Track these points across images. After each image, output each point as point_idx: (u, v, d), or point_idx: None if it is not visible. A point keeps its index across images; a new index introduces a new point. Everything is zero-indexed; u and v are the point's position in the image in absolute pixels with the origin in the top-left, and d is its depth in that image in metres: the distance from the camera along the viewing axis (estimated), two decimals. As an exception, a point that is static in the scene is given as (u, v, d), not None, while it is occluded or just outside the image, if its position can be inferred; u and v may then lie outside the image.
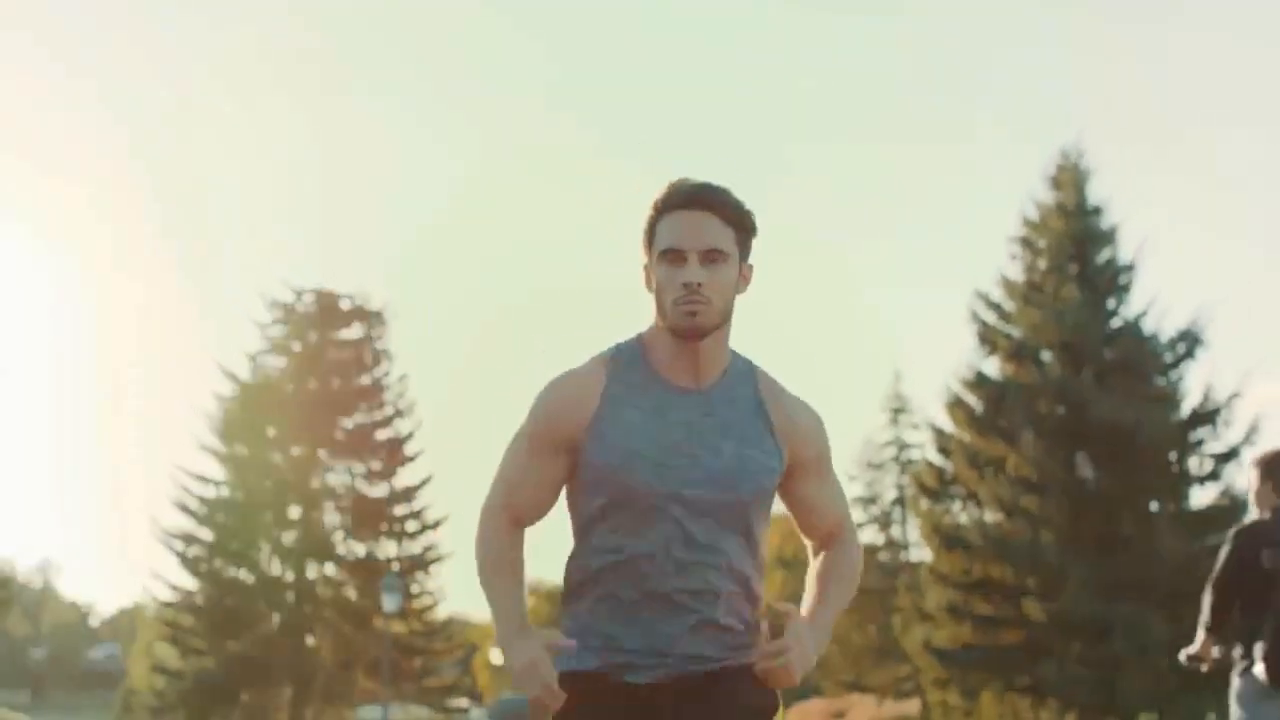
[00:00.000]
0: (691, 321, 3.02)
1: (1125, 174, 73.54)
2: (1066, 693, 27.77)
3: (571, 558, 3.17)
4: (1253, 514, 6.46)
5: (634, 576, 3.06)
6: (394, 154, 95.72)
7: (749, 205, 3.12)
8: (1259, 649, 6.00)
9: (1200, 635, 6.35)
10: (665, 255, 3.05)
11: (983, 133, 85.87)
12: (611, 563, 3.08)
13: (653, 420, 3.07)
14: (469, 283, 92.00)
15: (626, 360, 3.14)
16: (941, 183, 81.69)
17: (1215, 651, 6.28)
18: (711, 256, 3.04)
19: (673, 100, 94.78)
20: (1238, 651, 6.18)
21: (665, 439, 3.05)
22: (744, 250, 3.11)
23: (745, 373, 3.17)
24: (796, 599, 3.22)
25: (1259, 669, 5.99)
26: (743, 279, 3.13)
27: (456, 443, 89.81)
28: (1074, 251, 29.46)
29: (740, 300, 3.13)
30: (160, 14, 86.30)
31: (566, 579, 3.18)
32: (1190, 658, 6.37)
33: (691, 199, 3.06)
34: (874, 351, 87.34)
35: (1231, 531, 6.44)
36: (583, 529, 3.13)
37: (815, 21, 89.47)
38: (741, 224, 3.08)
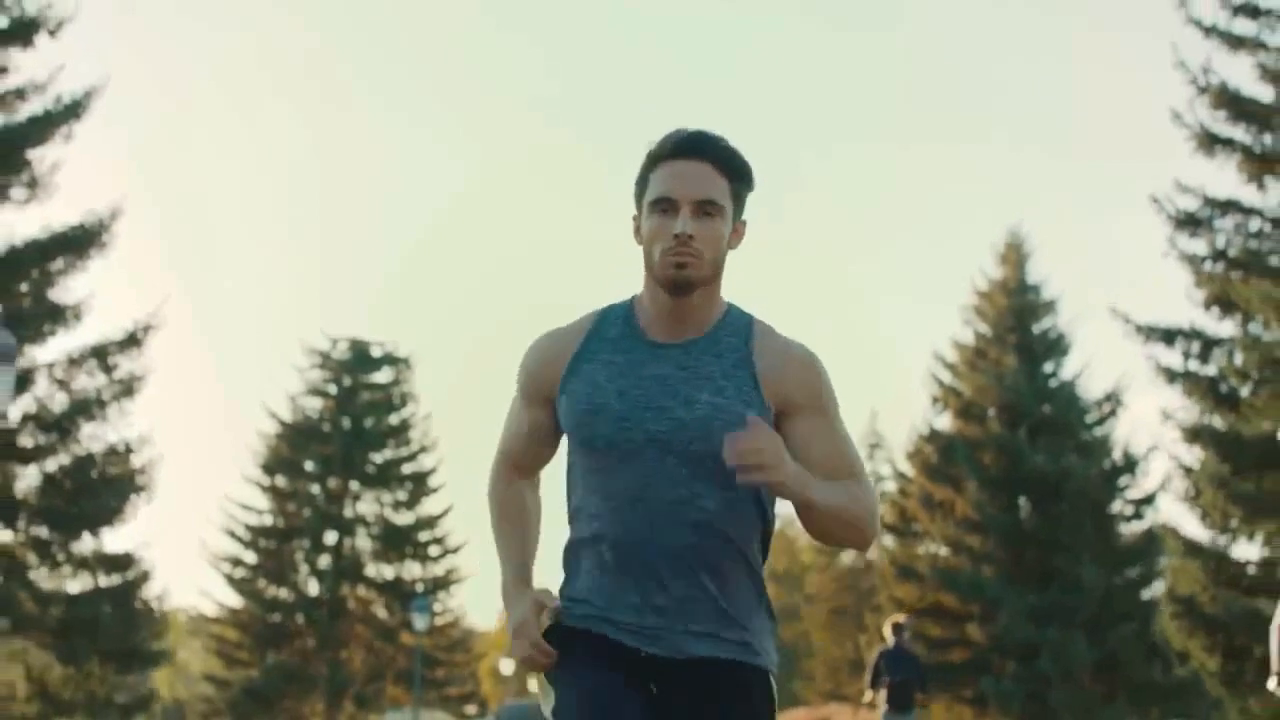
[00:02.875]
0: (680, 274, 3.03)
1: (1125, 172, 79.16)
2: (1004, 705, 34.02)
3: (568, 518, 3.24)
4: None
5: (609, 534, 3.09)
6: (395, 167, 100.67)
7: (745, 156, 3.12)
8: (884, 695, 14.17)
9: (869, 691, 14.45)
10: (656, 205, 3.06)
11: (983, 142, 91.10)
12: (588, 521, 3.13)
13: (624, 374, 3.11)
14: (475, 302, 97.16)
15: (612, 316, 3.20)
16: (942, 191, 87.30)
17: (878, 699, 13.61)
18: (704, 208, 3.04)
19: (677, 110, 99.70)
20: (881, 697, 13.61)
21: (634, 392, 3.08)
22: (738, 204, 3.12)
23: (740, 325, 3.15)
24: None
25: (884, 708, 14.21)
26: (736, 235, 3.12)
27: (475, 475, 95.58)
28: (1013, 324, 35.78)
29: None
30: (158, 20, 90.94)
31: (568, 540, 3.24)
32: (868, 703, 13.72)
33: (686, 148, 3.07)
34: (875, 355, 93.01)
35: (877, 650, 14.61)
36: (567, 488, 3.23)
37: (818, 33, 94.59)
38: (737, 174, 3.09)
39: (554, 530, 3.40)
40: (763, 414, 3.06)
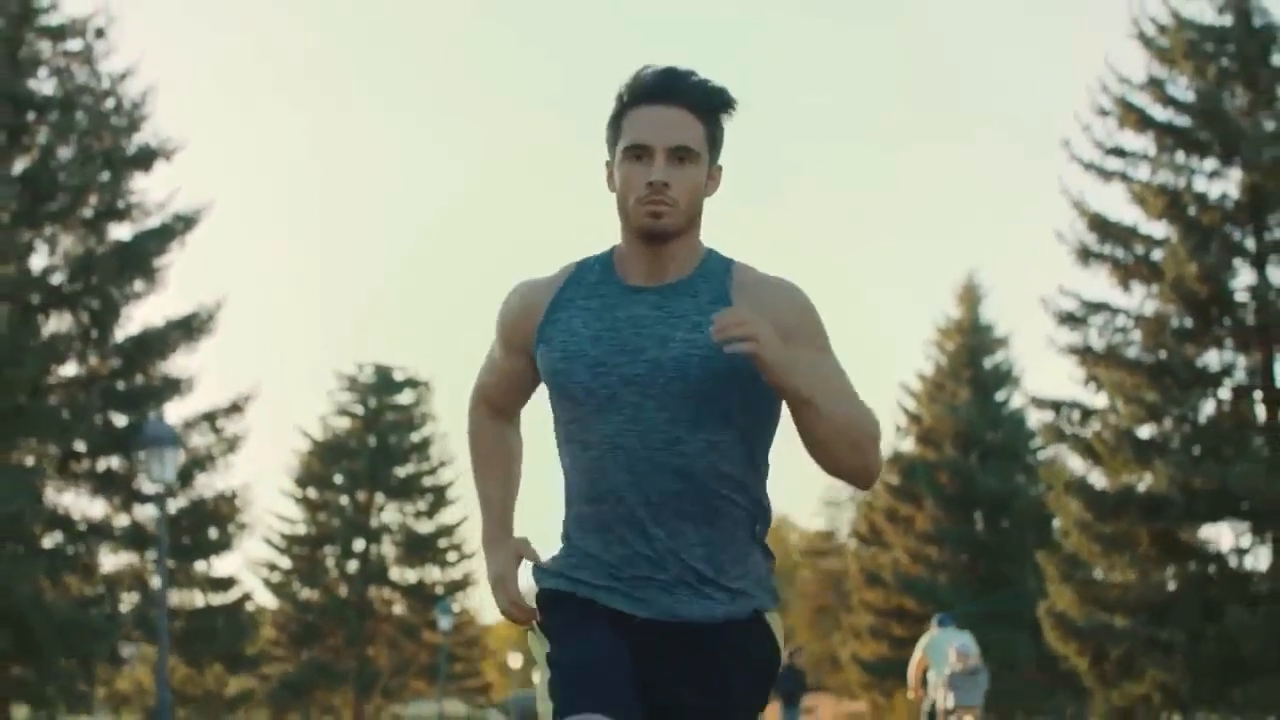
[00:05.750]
0: (655, 223, 3.08)
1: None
2: (958, 694, 41.10)
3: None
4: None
5: (593, 485, 3.15)
6: (396, 165, 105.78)
7: (723, 86, 3.16)
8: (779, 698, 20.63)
9: None
10: (629, 152, 3.10)
11: (982, 136, 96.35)
12: (575, 471, 3.20)
13: (597, 319, 3.17)
14: (485, 315, 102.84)
15: (590, 263, 3.26)
16: (941, 186, 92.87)
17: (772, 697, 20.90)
18: (680, 155, 3.09)
19: None
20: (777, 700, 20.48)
21: (609, 336, 3.14)
22: (714, 148, 3.17)
23: (719, 269, 3.19)
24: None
25: (780, 705, 20.97)
26: (712, 180, 3.18)
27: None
28: (967, 360, 42.75)
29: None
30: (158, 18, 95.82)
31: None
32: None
33: (660, 91, 3.11)
34: (874, 354, 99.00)
35: None
36: (555, 438, 3.28)
37: (817, 28, 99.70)
38: (713, 117, 3.15)
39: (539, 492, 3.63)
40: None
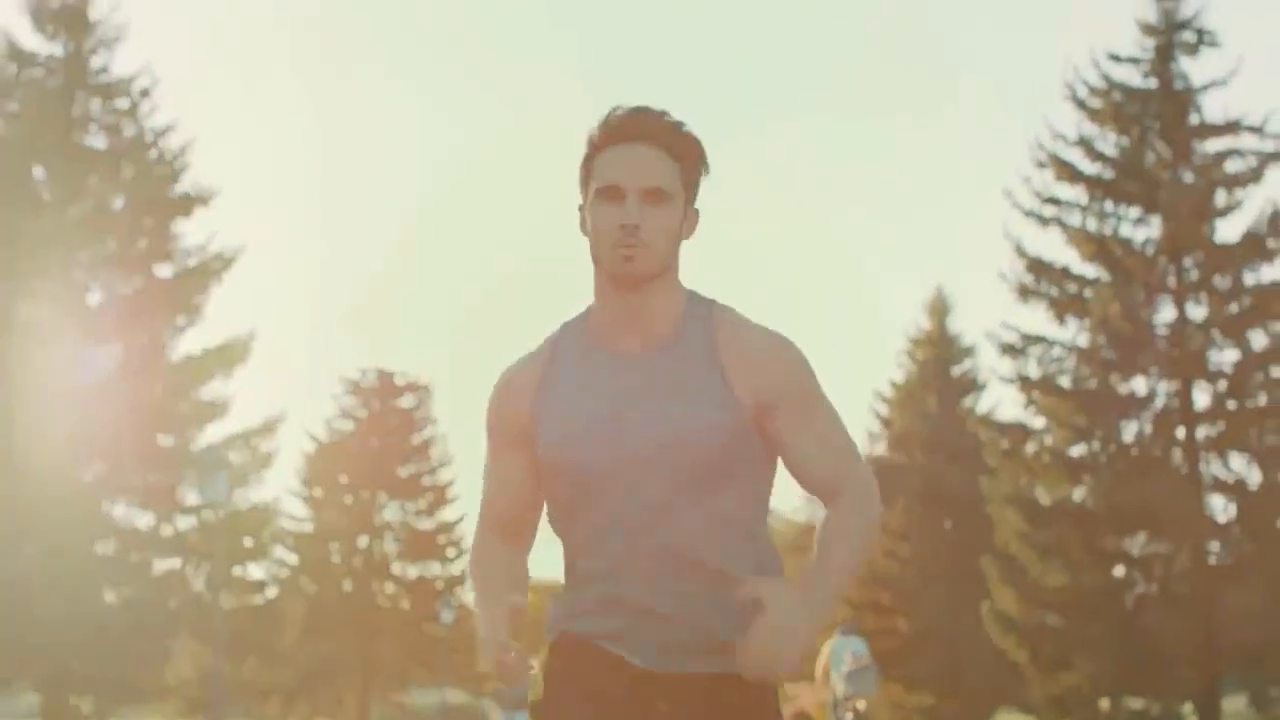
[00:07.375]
0: (628, 267, 3.08)
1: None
2: (927, 683, 45.36)
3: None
4: None
5: (593, 562, 3.16)
6: (396, 169, 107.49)
7: (696, 134, 3.14)
8: None
9: None
10: (601, 194, 3.09)
11: (967, 106, 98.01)
12: (576, 551, 3.21)
13: (589, 393, 3.16)
14: (480, 286, 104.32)
15: (570, 335, 3.25)
16: (927, 157, 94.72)
17: None
18: (653, 196, 3.07)
19: (669, 79, 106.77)
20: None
21: (601, 410, 3.14)
22: (691, 190, 3.15)
23: (702, 318, 3.18)
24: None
25: None
26: (688, 224, 3.16)
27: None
28: (936, 369, 47.06)
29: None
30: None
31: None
32: None
33: (631, 131, 3.10)
34: (864, 329, 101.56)
35: None
36: (551, 521, 3.30)
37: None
38: (688, 157, 3.12)
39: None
40: (737, 414, 3.09)
